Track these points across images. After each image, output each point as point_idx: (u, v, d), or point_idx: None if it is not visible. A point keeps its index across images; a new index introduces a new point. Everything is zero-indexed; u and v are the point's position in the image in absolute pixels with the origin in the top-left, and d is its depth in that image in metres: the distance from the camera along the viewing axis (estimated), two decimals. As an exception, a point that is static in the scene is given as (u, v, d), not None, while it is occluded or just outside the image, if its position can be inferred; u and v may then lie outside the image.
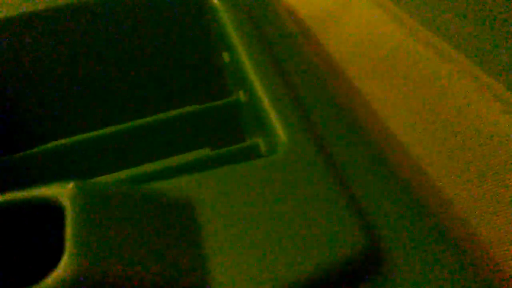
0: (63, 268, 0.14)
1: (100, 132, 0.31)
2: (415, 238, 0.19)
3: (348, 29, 0.39)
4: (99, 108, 0.36)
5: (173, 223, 0.17)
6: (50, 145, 0.31)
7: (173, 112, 0.32)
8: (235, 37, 0.31)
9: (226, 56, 0.33)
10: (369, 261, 0.18)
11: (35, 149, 0.31)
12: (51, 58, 0.32)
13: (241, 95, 0.30)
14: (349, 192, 0.20)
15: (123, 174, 0.30)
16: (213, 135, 0.32)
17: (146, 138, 0.32)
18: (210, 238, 0.18)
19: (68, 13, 0.31)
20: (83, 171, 0.30)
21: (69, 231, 0.15)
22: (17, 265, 0.18)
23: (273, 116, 0.24)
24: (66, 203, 0.16)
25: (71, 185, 0.16)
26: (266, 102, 0.25)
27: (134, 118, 0.33)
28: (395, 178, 0.22)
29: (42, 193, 0.16)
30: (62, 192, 0.16)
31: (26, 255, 0.18)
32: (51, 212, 0.17)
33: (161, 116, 0.32)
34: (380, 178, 0.21)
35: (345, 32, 0.39)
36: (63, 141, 0.32)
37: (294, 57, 0.31)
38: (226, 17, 0.33)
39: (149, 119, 0.32)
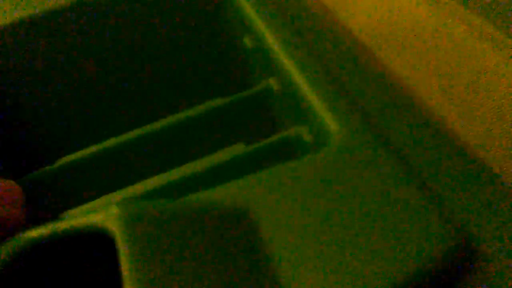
0: None
1: (119, 140, 0.29)
2: (505, 230, 0.17)
3: (367, 5, 0.36)
4: (110, 117, 0.34)
5: (232, 239, 0.15)
6: (77, 155, 0.29)
7: (198, 109, 0.30)
8: (257, 18, 0.28)
9: (248, 42, 0.31)
10: (462, 257, 0.15)
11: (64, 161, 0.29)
12: (72, 63, 0.29)
13: (272, 83, 0.28)
14: (424, 182, 0.18)
15: (157, 180, 0.28)
16: (244, 128, 0.30)
17: (172, 140, 0.30)
18: (275, 250, 0.16)
19: (79, 12, 0.28)
20: (112, 180, 0.28)
21: (124, 263, 0.13)
22: None
23: (317, 102, 0.22)
24: (117, 232, 0.14)
25: (116, 211, 0.14)
26: (306, 87, 0.23)
27: (152, 120, 0.31)
28: (472, 165, 0.19)
29: (89, 222, 0.14)
30: (110, 219, 0.14)
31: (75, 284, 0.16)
32: (98, 239, 0.15)
33: (185, 114, 0.30)
34: (455, 166, 0.19)
35: (365, 7, 0.37)
36: (92, 148, 0.29)
37: (322, 35, 0.29)
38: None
39: (171, 119, 0.29)
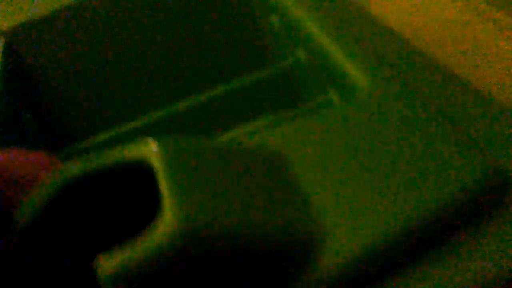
0: (163, 227, 0.12)
1: (155, 115, 0.30)
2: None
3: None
4: (148, 94, 0.35)
5: (268, 177, 0.16)
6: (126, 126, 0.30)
7: (230, 85, 0.31)
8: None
9: (275, 20, 0.31)
10: (493, 190, 0.15)
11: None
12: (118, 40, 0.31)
13: (299, 54, 0.28)
14: (451, 122, 0.18)
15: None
16: (273, 101, 0.30)
17: (208, 113, 0.30)
18: (310, 188, 0.16)
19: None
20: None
21: (164, 190, 0.13)
22: (106, 226, 0.16)
23: (345, 61, 0.22)
24: (157, 163, 0.14)
25: (155, 143, 0.15)
26: (334, 50, 0.23)
27: (186, 96, 0.31)
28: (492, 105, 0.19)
29: (128, 156, 0.15)
30: (150, 152, 0.14)
31: (115, 214, 0.17)
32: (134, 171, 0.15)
33: (218, 89, 0.31)
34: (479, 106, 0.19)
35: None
36: (133, 123, 0.30)
37: (350, 12, 0.29)
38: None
39: (208, 93, 0.30)
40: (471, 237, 0.15)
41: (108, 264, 0.12)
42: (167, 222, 0.12)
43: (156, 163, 0.14)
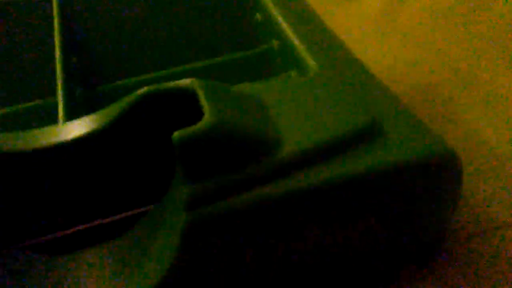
0: (208, 118, 0.25)
1: (158, 74, 0.42)
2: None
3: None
4: (157, 54, 0.47)
5: (255, 107, 0.29)
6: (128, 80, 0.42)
7: (215, 59, 0.43)
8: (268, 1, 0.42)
9: (259, 16, 0.44)
10: (370, 132, 0.29)
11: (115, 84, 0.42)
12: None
13: (274, 44, 0.41)
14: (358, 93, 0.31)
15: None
16: (250, 75, 0.43)
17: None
18: (275, 116, 0.29)
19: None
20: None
21: (204, 101, 0.26)
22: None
23: (303, 52, 0.35)
24: (198, 89, 0.27)
25: (193, 80, 0.27)
26: (297, 44, 0.37)
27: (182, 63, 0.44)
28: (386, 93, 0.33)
29: (178, 84, 0.27)
30: (194, 83, 0.27)
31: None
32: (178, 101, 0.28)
33: (209, 62, 0.43)
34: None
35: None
36: (132, 79, 0.43)
37: (315, 18, 0.42)
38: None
39: (197, 64, 0.42)
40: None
41: (182, 133, 0.24)
42: (209, 118, 0.25)
43: (198, 89, 0.27)
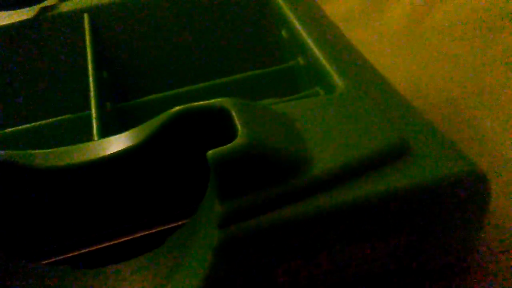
0: (242, 138, 0.25)
1: (184, 89, 0.43)
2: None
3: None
4: (180, 72, 0.48)
5: (285, 124, 0.29)
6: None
7: (240, 75, 0.44)
8: (292, 16, 0.43)
9: (284, 33, 0.45)
10: (399, 150, 0.29)
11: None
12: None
13: (300, 60, 0.42)
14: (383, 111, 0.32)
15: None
16: (275, 90, 0.44)
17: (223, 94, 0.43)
18: (304, 134, 0.29)
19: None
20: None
21: (237, 121, 0.26)
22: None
23: (330, 70, 0.36)
24: (231, 107, 0.27)
25: (226, 99, 0.28)
26: (323, 61, 0.37)
27: (208, 79, 0.44)
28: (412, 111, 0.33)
29: (212, 104, 0.28)
30: (227, 102, 0.28)
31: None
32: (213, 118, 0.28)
33: (230, 78, 0.44)
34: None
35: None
36: (159, 95, 0.43)
37: (337, 34, 0.43)
38: (282, 3, 0.44)
39: (222, 80, 0.43)
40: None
41: (216, 151, 0.25)
42: (242, 138, 0.25)
43: (231, 108, 0.27)
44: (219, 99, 0.28)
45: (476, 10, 0.58)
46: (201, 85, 0.43)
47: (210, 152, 0.25)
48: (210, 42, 0.46)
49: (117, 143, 0.28)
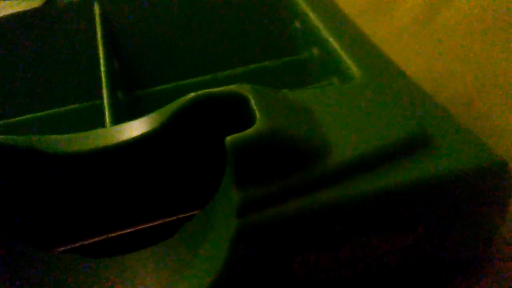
0: (261, 124, 0.25)
1: (196, 79, 0.42)
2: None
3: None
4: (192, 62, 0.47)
5: (303, 112, 0.29)
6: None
7: (254, 66, 0.43)
8: (306, 7, 0.42)
9: (297, 24, 0.44)
10: (420, 141, 0.28)
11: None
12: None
13: (314, 51, 0.41)
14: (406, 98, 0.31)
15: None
16: (290, 81, 0.43)
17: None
18: (322, 123, 0.29)
19: None
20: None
21: (255, 107, 0.26)
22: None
23: (348, 60, 0.35)
24: (248, 93, 0.27)
25: (242, 84, 0.27)
26: (338, 51, 0.36)
27: (220, 70, 0.44)
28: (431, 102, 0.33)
29: (229, 89, 0.27)
30: (244, 87, 0.27)
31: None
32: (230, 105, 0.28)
33: (243, 69, 0.43)
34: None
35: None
36: (171, 84, 0.43)
37: (350, 25, 0.42)
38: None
39: (235, 70, 0.43)
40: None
41: (235, 137, 0.24)
42: (262, 123, 0.25)
43: (249, 94, 0.27)
44: (236, 85, 0.27)
45: (491, 5, 0.57)
46: (213, 75, 0.43)
47: (228, 137, 0.24)
48: (222, 32, 0.46)
49: (134, 129, 0.27)
